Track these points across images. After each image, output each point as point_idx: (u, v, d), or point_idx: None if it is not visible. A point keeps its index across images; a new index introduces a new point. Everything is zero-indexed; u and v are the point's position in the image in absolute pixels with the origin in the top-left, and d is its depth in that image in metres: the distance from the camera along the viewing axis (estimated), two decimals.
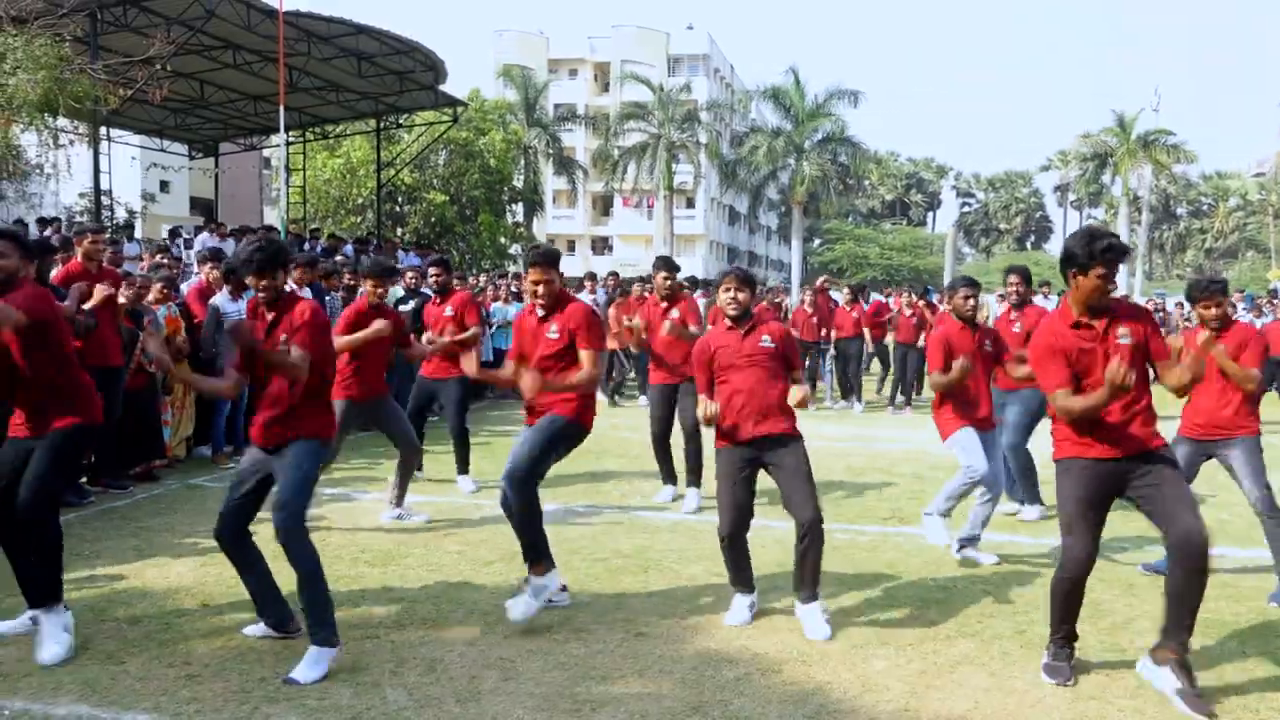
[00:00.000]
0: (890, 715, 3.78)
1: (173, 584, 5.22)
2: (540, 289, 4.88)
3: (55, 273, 7.29)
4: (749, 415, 4.64)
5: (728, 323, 4.85)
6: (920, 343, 13.71)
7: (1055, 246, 77.49)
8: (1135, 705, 3.86)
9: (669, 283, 7.52)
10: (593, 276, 15.77)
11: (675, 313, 7.36)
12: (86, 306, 6.87)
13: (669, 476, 7.61)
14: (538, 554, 4.72)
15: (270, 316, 4.30)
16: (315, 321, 4.23)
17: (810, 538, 4.55)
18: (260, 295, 4.31)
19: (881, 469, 9.00)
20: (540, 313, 4.96)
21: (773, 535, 6.15)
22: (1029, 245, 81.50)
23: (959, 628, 4.71)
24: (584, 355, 4.83)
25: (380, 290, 6.67)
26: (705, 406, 4.64)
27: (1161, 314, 18.68)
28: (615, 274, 16.21)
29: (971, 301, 6.06)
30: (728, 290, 4.82)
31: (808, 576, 4.61)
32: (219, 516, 4.32)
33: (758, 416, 4.63)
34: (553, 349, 4.87)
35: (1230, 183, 68.24)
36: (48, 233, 15.24)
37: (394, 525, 6.59)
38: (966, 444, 5.81)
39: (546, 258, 4.94)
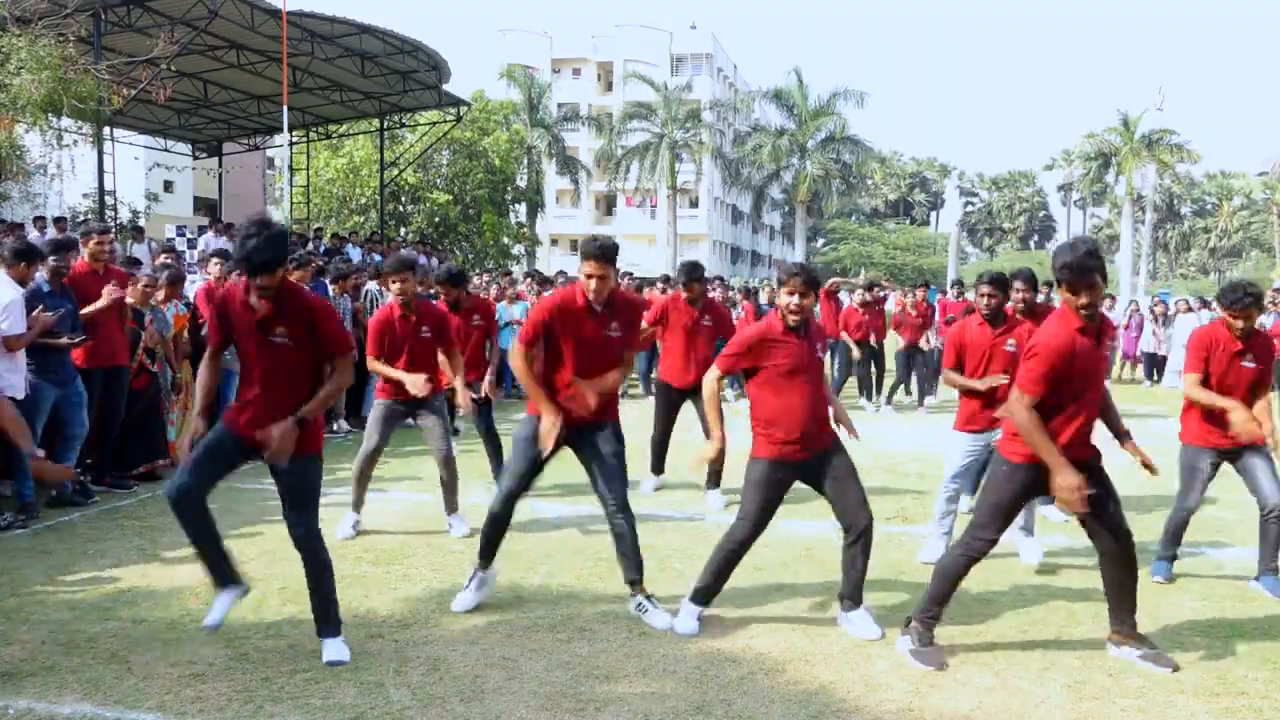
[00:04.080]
0: (894, 715, 3.78)
1: (177, 584, 5.22)
2: (594, 284, 4.57)
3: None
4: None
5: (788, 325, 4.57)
6: (924, 343, 13.70)
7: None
8: (1139, 705, 3.86)
9: (693, 290, 7.47)
10: None
11: (708, 320, 7.43)
12: (93, 307, 6.88)
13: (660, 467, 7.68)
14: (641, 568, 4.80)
15: (267, 308, 4.09)
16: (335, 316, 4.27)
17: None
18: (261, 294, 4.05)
19: (886, 468, 8.99)
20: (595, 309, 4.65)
21: (776, 534, 6.15)
22: (1032, 245, 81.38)
23: (962, 628, 4.71)
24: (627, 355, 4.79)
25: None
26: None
27: (1163, 313, 18.60)
28: (629, 274, 16.18)
29: (990, 300, 5.75)
30: (793, 295, 4.50)
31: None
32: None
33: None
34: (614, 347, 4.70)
35: (1235, 182, 68.13)
36: (49, 231, 15.27)
37: (397, 527, 6.58)
38: (952, 452, 5.83)
39: (604, 252, 4.60)
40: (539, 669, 4.13)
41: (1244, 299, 5.13)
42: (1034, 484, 4.17)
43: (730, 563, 4.62)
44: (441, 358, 6.42)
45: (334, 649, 4.21)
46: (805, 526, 6.43)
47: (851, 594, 4.64)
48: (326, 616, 4.26)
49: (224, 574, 4.26)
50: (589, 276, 4.56)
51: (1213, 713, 3.82)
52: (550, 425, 4.56)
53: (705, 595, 4.66)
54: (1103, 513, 4.18)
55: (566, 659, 4.24)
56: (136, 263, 10.32)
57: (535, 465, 4.72)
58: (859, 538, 4.57)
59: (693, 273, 7.52)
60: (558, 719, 3.68)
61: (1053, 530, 6.52)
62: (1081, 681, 4.08)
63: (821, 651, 4.38)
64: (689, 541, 6.22)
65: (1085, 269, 3.95)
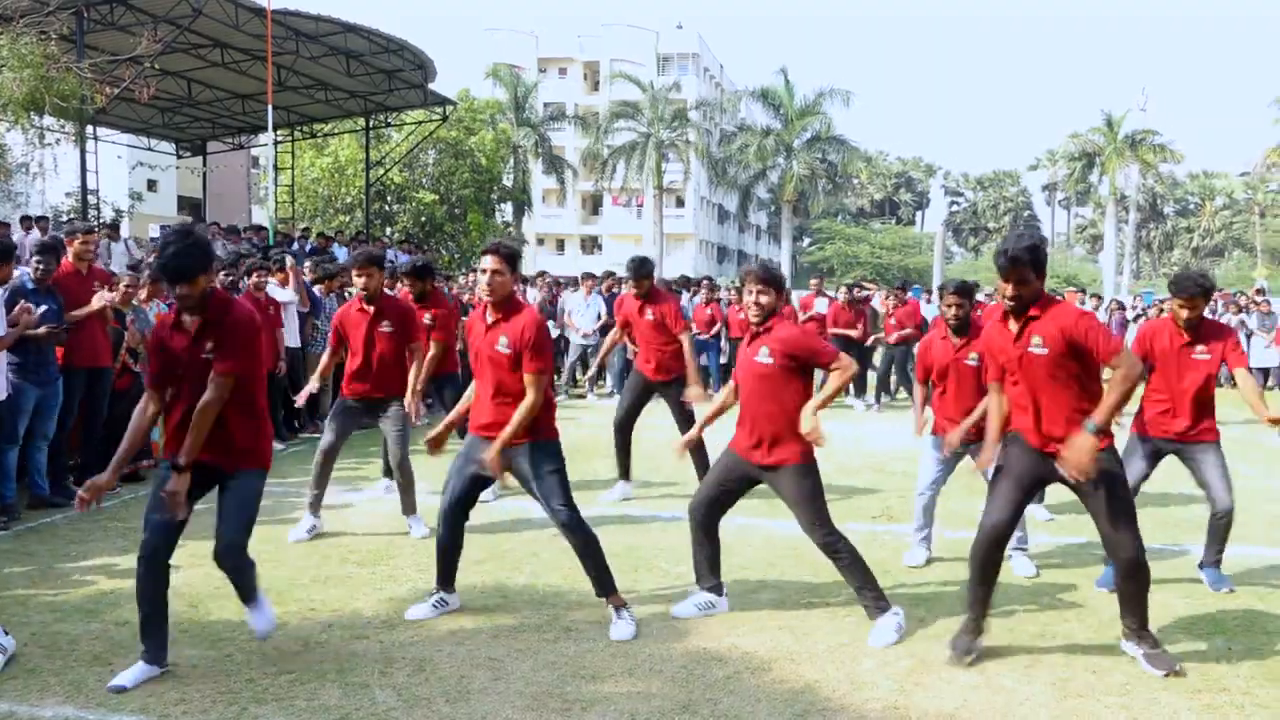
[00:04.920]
0: (879, 713, 3.79)
1: None
2: (489, 278, 4.49)
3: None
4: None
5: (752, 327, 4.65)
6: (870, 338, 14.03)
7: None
8: (1122, 702, 3.88)
9: (641, 285, 7.43)
10: (591, 276, 15.56)
11: (650, 313, 7.37)
12: (79, 313, 6.82)
13: (624, 472, 7.58)
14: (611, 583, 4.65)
15: (195, 324, 3.95)
16: (246, 333, 3.98)
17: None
18: (181, 303, 3.93)
19: (873, 467, 9.02)
20: (489, 317, 4.59)
21: (761, 534, 6.17)
22: None
23: (947, 626, 4.71)
24: (528, 380, 4.47)
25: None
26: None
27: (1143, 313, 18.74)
28: (612, 274, 16.17)
29: (954, 310, 5.59)
30: (750, 293, 4.55)
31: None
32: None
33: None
34: (504, 361, 4.53)
35: (1217, 182, 68.65)
36: (34, 232, 15.16)
37: (382, 527, 6.57)
38: (922, 457, 5.93)
39: (499, 248, 4.57)
40: (525, 669, 4.12)
41: (1180, 285, 5.12)
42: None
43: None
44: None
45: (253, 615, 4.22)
46: (790, 526, 6.42)
47: (860, 600, 4.68)
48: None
49: (155, 645, 3.98)
50: (482, 271, 4.55)
51: (1195, 709, 3.84)
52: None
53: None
54: (1095, 512, 4.19)
55: (552, 659, 4.24)
56: (139, 265, 10.22)
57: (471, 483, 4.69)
58: (824, 553, 4.66)
59: (640, 269, 7.44)
60: (544, 719, 3.67)
61: (1038, 530, 6.55)
62: (1065, 679, 4.10)
63: (807, 650, 4.39)
64: (677, 541, 6.22)
65: (1014, 260, 4.04)
